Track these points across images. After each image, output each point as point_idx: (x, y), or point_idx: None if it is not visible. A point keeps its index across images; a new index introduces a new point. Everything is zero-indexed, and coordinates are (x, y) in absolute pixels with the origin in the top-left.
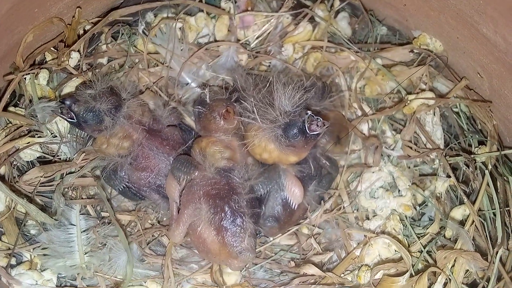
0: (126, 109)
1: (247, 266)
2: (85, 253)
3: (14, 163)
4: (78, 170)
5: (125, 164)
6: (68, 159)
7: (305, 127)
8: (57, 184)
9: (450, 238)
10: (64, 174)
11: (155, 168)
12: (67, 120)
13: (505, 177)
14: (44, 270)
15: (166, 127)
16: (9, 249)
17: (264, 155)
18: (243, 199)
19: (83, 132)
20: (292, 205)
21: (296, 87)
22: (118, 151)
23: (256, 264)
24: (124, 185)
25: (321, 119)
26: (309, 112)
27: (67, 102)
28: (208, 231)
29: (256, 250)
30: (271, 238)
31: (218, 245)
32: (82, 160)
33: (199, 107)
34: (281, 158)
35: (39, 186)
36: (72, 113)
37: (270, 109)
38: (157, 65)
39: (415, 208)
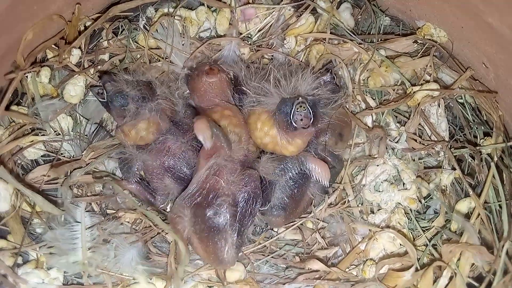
0: (156, 104)
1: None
2: (89, 249)
3: (18, 162)
4: (86, 166)
5: (140, 160)
6: (73, 157)
7: (291, 111)
8: (65, 179)
9: (455, 231)
10: (70, 172)
11: (170, 149)
12: (99, 100)
13: (511, 169)
14: (50, 268)
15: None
16: (15, 248)
17: (265, 140)
18: (225, 208)
19: (89, 129)
20: (324, 184)
21: (318, 78)
22: (142, 142)
23: (260, 260)
24: (137, 179)
25: (312, 116)
26: (300, 99)
27: (103, 79)
28: (193, 237)
29: (261, 245)
30: (277, 232)
31: (202, 252)
32: (90, 158)
33: (187, 71)
34: (281, 145)
35: (45, 184)
36: (104, 92)
37: (274, 87)
38: (159, 60)
39: (420, 201)
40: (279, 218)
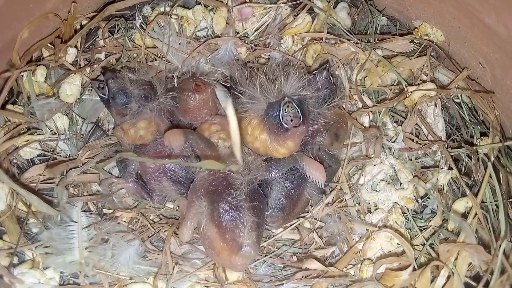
0: (158, 104)
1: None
2: (85, 249)
3: (14, 161)
4: (82, 165)
5: (136, 160)
6: (69, 156)
7: (279, 113)
8: (60, 178)
9: (452, 231)
10: (66, 171)
11: (172, 153)
12: (98, 95)
13: (507, 169)
14: (46, 268)
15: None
16: (11, 248)
17: (256, 144)
18: (241, 192)
19: (85, 128)
20: (319, 184)
21: (302, 78)
22: (140, 141)
23: (258, 260)
24: (134, 179)
25: (300, 115)
26: (286, 99)
27: (106, 75)
28: (210, 227)
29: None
30: (275, 232)
31: (220, 241)
32: (86, 157)
33: (170, 93)
34: (272, 148)
35: (40, 183)
36: (106, 88)
37: (260, 93)
38: (155, 59)
39: (417, 201)
40: (277, 219)
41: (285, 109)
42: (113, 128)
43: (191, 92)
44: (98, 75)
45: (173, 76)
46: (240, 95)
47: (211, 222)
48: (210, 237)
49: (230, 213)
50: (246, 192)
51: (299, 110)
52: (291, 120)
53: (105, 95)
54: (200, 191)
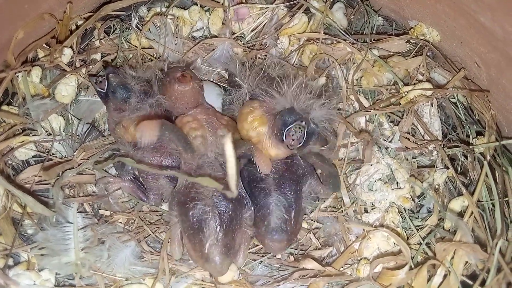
0: (157, 100)
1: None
2: (81, 250)
3: (9, 162)
4: (78, 166)
5: (134, 158)
6: (64, 157)
7: (287, 125)
8: (56, 179)
9: (449, 230)
10: (61, 172)
11: (166, 149)
12: (96, 90)
13: (503, 168)
14: (42, 270)
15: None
16: (6, 249)
17: (251, 133)
18: (206, 203)
19: (81, 129)
20: (261, 174)
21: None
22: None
23: (255, 260)
24: (131, 177)
25: (303, 141)
26: (303, 123)
27: (107, 70)
28: (184, 237)
29: (256, 246)
30: None
31: (192, 251)
32: (81, 158)
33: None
34: (265, 144)
35: (36, 184)
36: (104, 82)
37: (291, 91)
38: (151, 60)
39: (413, 200)
40: (282, 242)
41: (295, 127)
42: (116, 125)
43: (174, 80)
44: (99, 71)
45: (164, 61)
46: (242, 84)
47: (183, 232)
48: (186, 246)
49: (195, 226)
50: (212, 200)
51: (305, 137)
52: (292, 140)
53: (103, 89)
54: (173, 203)
